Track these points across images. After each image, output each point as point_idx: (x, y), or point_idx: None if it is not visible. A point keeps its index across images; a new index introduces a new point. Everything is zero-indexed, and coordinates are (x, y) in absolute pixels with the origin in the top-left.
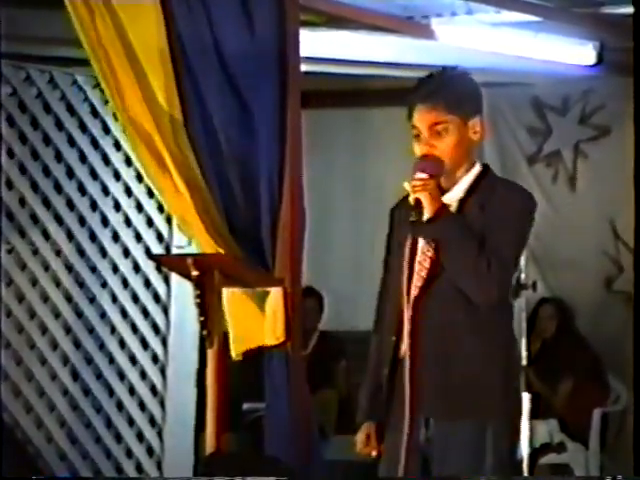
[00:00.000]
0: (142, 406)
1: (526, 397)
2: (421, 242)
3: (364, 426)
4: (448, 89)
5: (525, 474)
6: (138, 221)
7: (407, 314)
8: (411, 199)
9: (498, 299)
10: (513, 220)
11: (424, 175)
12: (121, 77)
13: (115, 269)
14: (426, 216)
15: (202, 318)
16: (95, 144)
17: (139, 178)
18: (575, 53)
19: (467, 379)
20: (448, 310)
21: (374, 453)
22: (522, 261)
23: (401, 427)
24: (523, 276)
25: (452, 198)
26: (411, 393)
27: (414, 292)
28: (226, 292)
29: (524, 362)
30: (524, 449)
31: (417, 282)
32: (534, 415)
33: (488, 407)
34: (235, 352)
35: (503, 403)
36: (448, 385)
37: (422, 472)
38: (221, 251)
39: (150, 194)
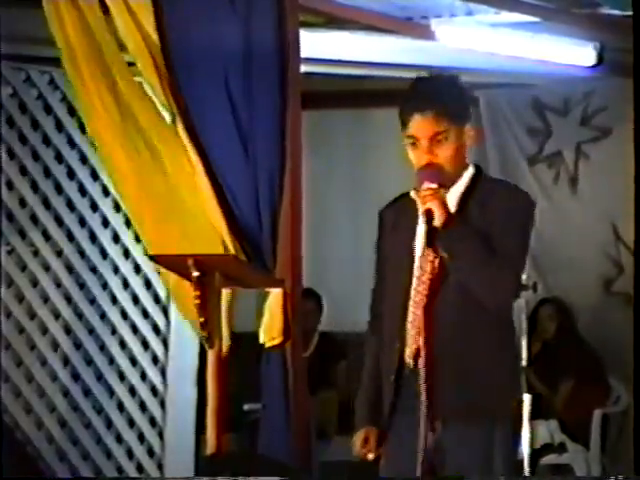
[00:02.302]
0: (143, 407)
1: (527, 398)
2: (419, 246)
3: (363, 429)
4: (444, 97)
5: (526, 474)
6: None
7: (415, 320)
8: (422, 209)
9: (510, 302)
10: (517, 221)
11: (433, 185)
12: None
13: (115, 270)
14: (437, 224)
15: (202, 319)
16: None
17: None
18: (575, 54)
19: (481, 381)
20: (459, 314)
21: (371, 456)
22: None
23: (410, 432)
24: (524, 277)
25: (450, 201)
26: (428, 399)
27: (418, 297)
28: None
29: (524, 363)
30: (525, 450)
31: (419, 287)
32: (535, 416)
33: (499, 409)
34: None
35: (511, 405)
36: (463, 388)
37: (430, 476)
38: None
39: None
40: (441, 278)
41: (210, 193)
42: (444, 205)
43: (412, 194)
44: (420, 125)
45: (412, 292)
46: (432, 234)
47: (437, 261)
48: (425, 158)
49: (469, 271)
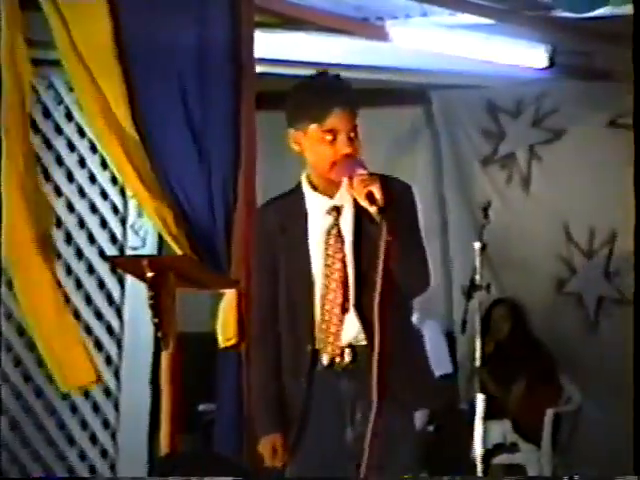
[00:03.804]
0: (96, 408)
1: (480, 398)
2: (318, 244)
3: (269, 438)
4: (354, 94)
5: (479, 474)
6: (92, 222)
7: (333, 318)
8: (362, 194)
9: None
10: (415, 213)
11: (365, 171)
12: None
13: (69, 270)
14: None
15: (156, 320)
16: (49, 145)
17: (92, 179)
18: (527, 56)
19: (407, 371)
20: (389, 307)
21: (280, 464)
22: (477, 262)
23: (329, 431)
24: (477, 277)
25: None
26: (379, 395)
27: (332, 295)
28: None
29: (478, 363)
30: (478, 449)
31: (331, 285)
32: (488, 416)
33: (426, 397)
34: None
35: (435, 392)
36: (394, 380)
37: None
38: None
39: (104, 196)
40: (362, 273)
41: (162, 192)
42: (382, 189)
43: (345, 182)
44: (341, 118)
45: (323, 290)
46: (381, 215)
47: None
48: (347, 150)
49: (402, 254)
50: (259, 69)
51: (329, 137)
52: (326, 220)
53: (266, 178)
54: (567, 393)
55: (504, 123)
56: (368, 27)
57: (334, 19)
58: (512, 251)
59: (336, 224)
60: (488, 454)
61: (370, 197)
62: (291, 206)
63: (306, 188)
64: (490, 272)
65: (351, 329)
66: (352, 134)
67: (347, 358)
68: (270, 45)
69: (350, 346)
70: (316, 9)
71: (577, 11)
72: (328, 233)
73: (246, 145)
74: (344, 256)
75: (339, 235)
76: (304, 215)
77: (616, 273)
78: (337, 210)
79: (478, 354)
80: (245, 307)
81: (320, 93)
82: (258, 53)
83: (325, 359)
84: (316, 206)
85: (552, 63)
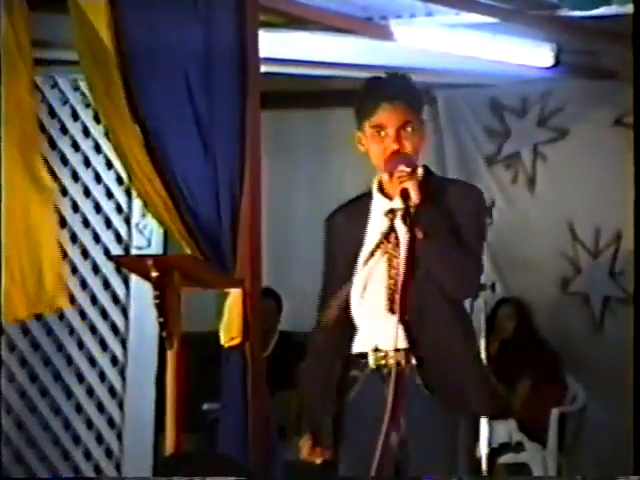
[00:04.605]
0: (101, 407)
1: None
2: (373, 246)
3: (309, 432)
4: (410, 90)
5: (484, 474)
6: (97, 222)
7: (391, 317)
8: (398, 190)
9: (473, 294)
10: (475, 215)
11: (407, 168)
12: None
13: (74, 270)
14: (413, 203)
15: (161, 319)
16: (53, 145)
17: (97, 179)
18: (533, 55)
19: (451, 376)
20: (431, 309)
21: (319, 460)
22: None
23: (371, 430)
24: (482, 277)
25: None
26: (395, 398)
27: (383, 295)
28: None
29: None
30: (483, 449)
31: (375, 286)
32: (493, 415)
33: (472, 403)
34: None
35: (484, 399)
36: (436, 383)
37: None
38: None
39: (109, 195)
40: (407, 274)
41: (167, 192)
42: (419, 186)
43: (384, 177)
44: (389, 114)
45: (366, 293)
46: (407, 213)
47: (407, 248)
48: (394, 146)
49: (441, 254)
50: (264, 68)
51: (378, 133)
52: (383, 222)
53: (272, 177)
54: (572, 392)
55: (509, 122)
56: (373, 27)
57: (339, 18)
58: (517, 250)
59: (392, 227)
60: (493, 453)
61: (404, 194)
62: (358, 208)
63: (374, 190)
64: (495, 271)
65: (394, 332)
66: (408, 129)
67: (391, 361)
68: (275, 44)
69: (396, 350)
70: (321, 9)
71: (581, 8)
72: (385, 236)
73: (251, 144)
74: (391, 258)
75: (395, 238)
76: (366, 217)
77: (621, 273)
78: (393, 213)
79: (483, 353)
80: (250, 306)
81: (371, 90)
82: (263, 52)
83: (370, 363)
84: (378, 208)
85: (557, 62)
